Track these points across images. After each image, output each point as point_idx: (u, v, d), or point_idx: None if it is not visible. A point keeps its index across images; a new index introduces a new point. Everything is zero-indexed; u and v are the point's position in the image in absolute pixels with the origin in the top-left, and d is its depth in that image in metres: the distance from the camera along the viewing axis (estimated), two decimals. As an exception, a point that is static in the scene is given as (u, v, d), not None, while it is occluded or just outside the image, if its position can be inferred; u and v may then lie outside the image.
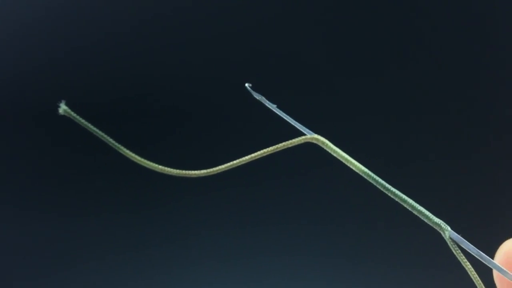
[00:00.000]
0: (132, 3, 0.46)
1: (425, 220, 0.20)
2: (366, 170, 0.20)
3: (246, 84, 0.21)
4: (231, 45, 0.46)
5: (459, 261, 0.19)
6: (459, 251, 0.19)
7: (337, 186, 0.44)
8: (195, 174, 0.18)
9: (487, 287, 0.19)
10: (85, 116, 0.16)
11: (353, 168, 0.19)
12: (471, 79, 0.45)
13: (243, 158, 0.19)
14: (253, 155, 0.19)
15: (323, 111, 0.45)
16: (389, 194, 0.20)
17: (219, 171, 0.18)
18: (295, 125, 0.20)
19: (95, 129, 0.17)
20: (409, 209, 0.20)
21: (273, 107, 0.21)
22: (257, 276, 0.46)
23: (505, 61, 0.45)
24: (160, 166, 0.17)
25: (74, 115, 0.16)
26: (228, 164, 0.19)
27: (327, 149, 0.19)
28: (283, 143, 0.19)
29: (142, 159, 0.17)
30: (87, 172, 0.47)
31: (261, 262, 0.46)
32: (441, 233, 0.19)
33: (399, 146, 0.45)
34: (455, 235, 0.19)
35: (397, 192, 0.20)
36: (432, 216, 0.20)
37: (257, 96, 0.21)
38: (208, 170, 0.18)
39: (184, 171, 0.18)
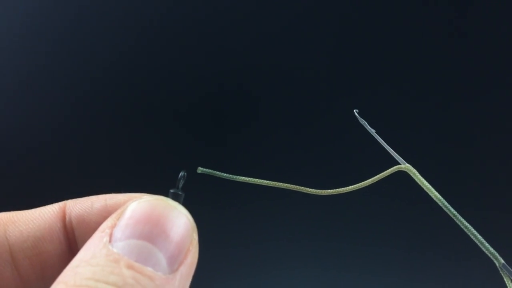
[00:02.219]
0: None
1: (483, 249, 0.24)
2: (442, 199, 0.24)
3: (355, 110, 0.25)
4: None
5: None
6: (510, 279, 0.23)
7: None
8: (319, 192, 0.23)
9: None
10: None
11: (433, 197, 0.23)
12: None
13: (347, 188, 0.24)
14: (353, 187, 0.24)
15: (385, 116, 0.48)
16: (457, 221, 0.24)
17: (339, 192, 0.23)
18: (389, 151, 0.24)
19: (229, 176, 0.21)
20: (471, 237, 0.24)
21: (372, 132, 0.25)
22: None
23: None
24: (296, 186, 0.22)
25: (210, 171, 0.20)
26: (343, 189, 0.23)
27: (415, 178, 0.23)
28: (380, 174, 0.23)
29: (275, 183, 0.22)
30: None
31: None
32: (495, 261, 0.23)
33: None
34: (507, 266, 0.23)
35: (463, 220, 0.24)
36: (489, 246, 0.24)
37: (361, 121, 0.25)
38: (333, 191, 0.23)
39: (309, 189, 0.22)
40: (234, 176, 0.21)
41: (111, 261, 0.16)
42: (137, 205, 0.18)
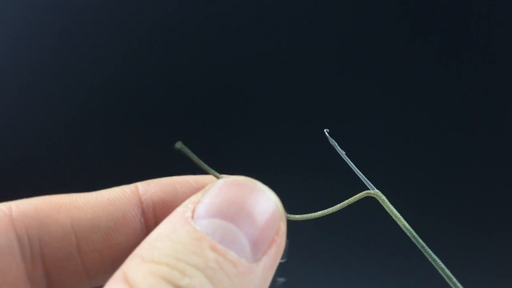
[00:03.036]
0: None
1: (451, 284, 0.22)
2: (410, 228, 0.22)
3: (325, 130, 0.24)
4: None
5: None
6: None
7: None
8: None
9: None
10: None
11: (400, 225, 0.22)
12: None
13: (315, 214, 0.22)
14: (320, 213, 0.23)
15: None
16: (425, 253, 0.23)
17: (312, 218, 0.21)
18: (358, 175, 0.23)
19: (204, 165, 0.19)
20: (439, 271, 0.22)
21: (342, 153, 0.24)
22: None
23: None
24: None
25: (188, 151, 0.18)
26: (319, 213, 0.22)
27: (383, 205, 0.22)
28: (348, 200, 0.22)
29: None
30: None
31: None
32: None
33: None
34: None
35: (431, 253, 0.23)
36: (457, 282, 0.22)
37: (332, 141, 0.24)
38: (300, 216, 0.21)
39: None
40: (208, 167, 0.19)
41: (193, 239, 0.15)
42: (224, 184, 0.17)
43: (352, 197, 0.22)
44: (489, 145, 0.46)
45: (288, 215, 0.22)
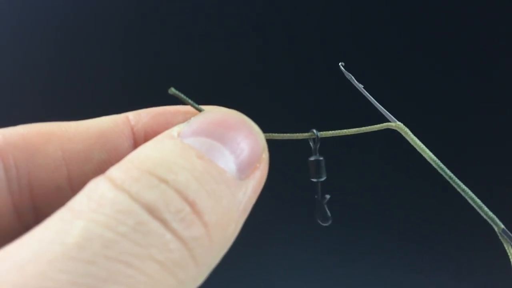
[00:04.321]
0: None
1: (481, 213, 0.22)
2: (437, 160, 0.21)
3: (340, 64, 0.22)
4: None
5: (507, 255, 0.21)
6: (510, 244, 0.21)
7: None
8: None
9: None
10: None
11: (426, 157, 0.21)
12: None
13: (328, 132, 0.21)
14: (336, 132, 0.21)
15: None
16: (453, 184, 0.22)
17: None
18: (378, 108, 0.22)
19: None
20: (469, 201, 0.22)
21: (360, 87, 0.23)
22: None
23: None
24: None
25: (182, 96, 0.18)
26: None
27: (407, 138, 0.21)
28: (367, 127, 0.21)
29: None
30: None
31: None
32: (494, 227, 0.21)
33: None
34: (507, 231, 0.21)
35: (460, 183, 0.22)
36: (488, 210, 0.22)
37: (348, 75, 0.23)
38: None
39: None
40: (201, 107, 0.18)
41: (180, 148, 0.15)
42: (211, 110, 0.17)
43: (372, 126, 0.21)
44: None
45: (320, 132, 0.21)
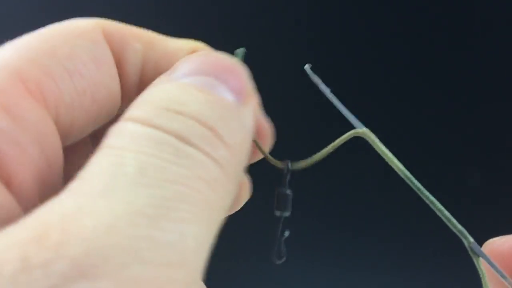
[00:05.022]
0: None
1: (450, 226, 0.21)
2: (404, 169, 0.20)
3: (307, 65, 0.21)
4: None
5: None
6: (479, 260, 0.20)
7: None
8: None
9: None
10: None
11: (393, 167, 0.20)
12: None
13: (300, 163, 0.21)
14: (309, 160, 0.21)
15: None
16: (421, 196, 0.21)
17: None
18: (345, 115, 0.21)
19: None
20: (437, 212, 0.21)
21: (326, 91, 0.22)
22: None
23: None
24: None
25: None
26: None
27: (373, 145, 0.20)
28: (335, 142, 0.20)
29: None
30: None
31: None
32: (463, 240, 0.20)
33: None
34: (476, 245, 0.20)
35: (429, 195, 0.21)
36: (457, 223, 0.21)
37: (314, 78, 0.21)
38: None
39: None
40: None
41: (180, 87, 0.16)
42: (203, 52, 0.19)
43: (339, 139, 0.20)
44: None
45: (293, 163, 0.21)
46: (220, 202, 0.15)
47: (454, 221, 0.20)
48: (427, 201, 0.21)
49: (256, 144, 0.20)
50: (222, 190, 0.15)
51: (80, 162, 0.14)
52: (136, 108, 0.16)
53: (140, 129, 0.14)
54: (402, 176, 0.20)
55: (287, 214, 0.20)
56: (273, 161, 0.20)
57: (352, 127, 0.21)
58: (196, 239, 0.13)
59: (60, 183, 0.17)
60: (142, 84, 0.19)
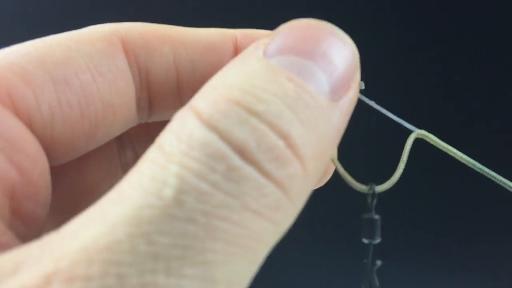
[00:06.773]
0: None
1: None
2: (471, 160, 0.20)
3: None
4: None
5: None
6: None
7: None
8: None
9: None
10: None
11: (459, 159, 0.20)
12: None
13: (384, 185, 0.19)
14: (391, 181, 0.19)
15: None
16: (497, 182, 0.20)
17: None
18: (397, 120, 0.21)
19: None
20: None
21: (371, 103, 0.21)
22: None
23: None
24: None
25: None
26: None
27: (433, 143, 0.19)
28: (405, 150, 0.19)
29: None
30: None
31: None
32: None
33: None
34: None
35: (504, 179, 0.20)
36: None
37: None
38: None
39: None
40: None
41: (268, 70, 0.13)
42: (296, 24, 0.15)
43: (405, 147, 0.19)
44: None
45: (378, 186, 0.18)
46: (272, 231, 0.13)
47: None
48: (506, 187, 0.20)
49: (333, 162, 0.17)
50: (280, 218, 0.13)
51: (104, 172, 0.13)
52: (203, 97, 0.13)
53: (198, 131, 0.12)
54: (471, 166, 0.20)
55: (377, 241, 0.18)
56: (356, 185, 0.18)
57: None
58: (227, 280, 0.11)
59: (44, 194, 0.15)
60: (181, 88, 0.18)
